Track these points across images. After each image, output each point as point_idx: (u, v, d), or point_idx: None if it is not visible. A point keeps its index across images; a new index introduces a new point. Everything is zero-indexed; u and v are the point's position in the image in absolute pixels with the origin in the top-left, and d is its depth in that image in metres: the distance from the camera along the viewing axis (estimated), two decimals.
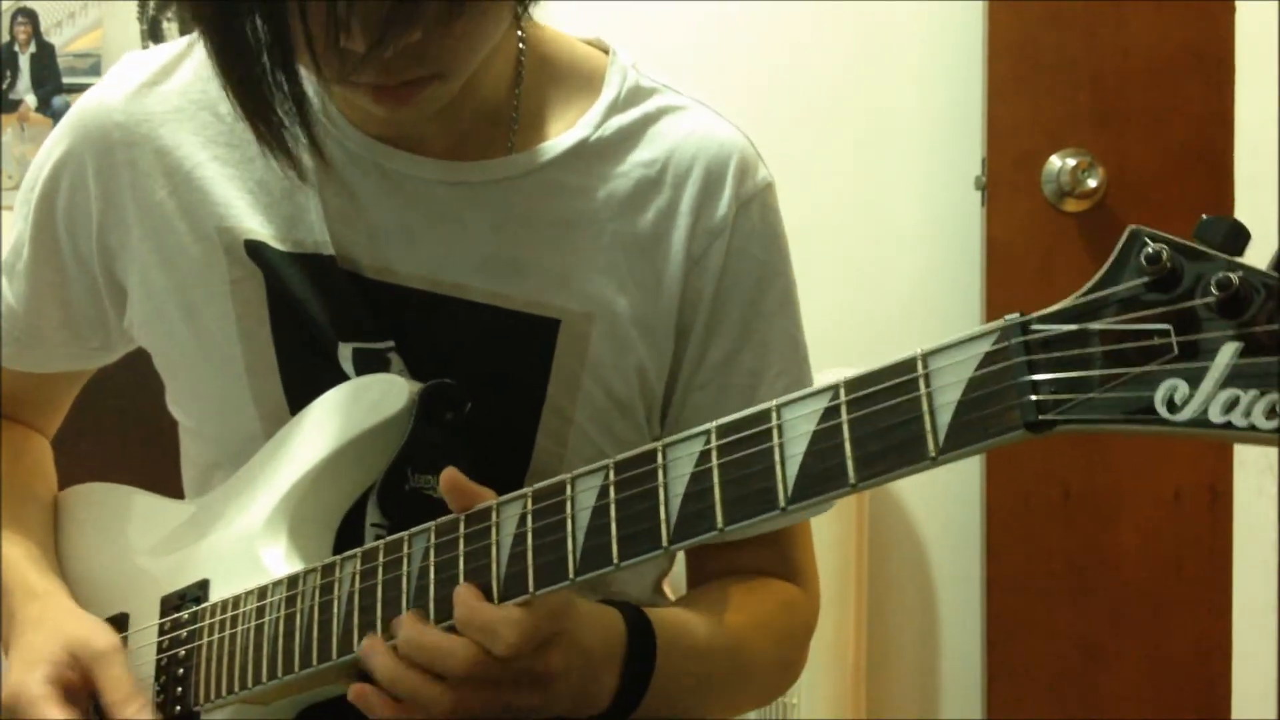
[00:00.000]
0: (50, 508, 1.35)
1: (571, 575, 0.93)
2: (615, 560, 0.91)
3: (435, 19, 0.95)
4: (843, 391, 0.82)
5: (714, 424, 0.88)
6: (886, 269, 2.67)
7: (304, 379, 1.15)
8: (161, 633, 1.18)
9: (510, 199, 1.16)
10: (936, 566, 2.69)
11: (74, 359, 1.33)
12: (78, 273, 1.24)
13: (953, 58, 2.63)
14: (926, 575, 2.69)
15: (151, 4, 2.66)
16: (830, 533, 2.31)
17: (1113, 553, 2.55)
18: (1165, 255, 0.71)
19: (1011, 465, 2.53)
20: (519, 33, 1.18)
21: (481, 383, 1.12)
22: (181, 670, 1.15)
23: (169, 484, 1.29)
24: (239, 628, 1.10)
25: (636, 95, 1.21)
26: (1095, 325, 0.73)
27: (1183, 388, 0.69)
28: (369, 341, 1.13)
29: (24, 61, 2.73)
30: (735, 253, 1.19)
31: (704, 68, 2.59)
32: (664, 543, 0.89)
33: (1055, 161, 2.52)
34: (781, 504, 0.84)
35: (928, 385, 0.78)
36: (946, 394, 0.77)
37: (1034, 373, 0.74)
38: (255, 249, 1.16)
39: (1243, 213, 2.32)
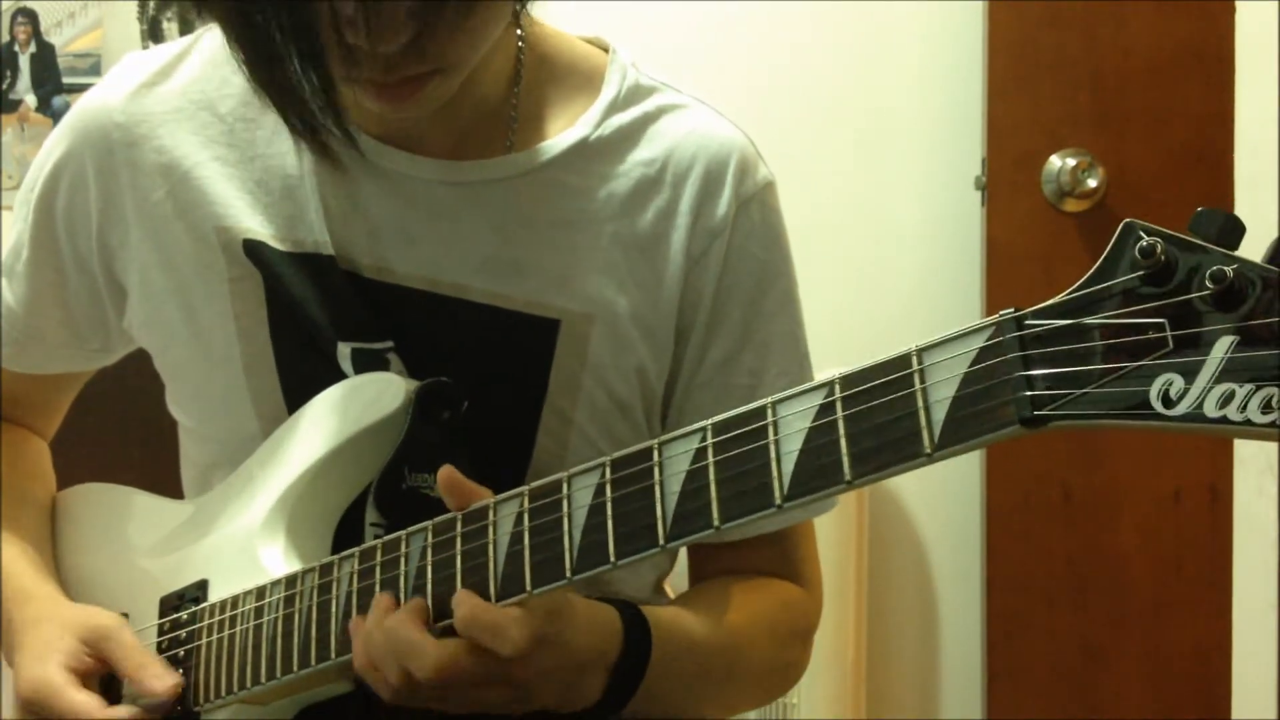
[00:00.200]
0: (47, 511, 1.35)
1: (569, 574, 0.93)
2: (612, 558, 0.91)
3: (435, 14, 0.95)
4: (838, 388, 0.82)
5: (710, 421, 0.88)
6: (886, 269, 2.66)
7: (302, 379, 1.15)
8: (160, 633, 1.18)
9: (510, 199, 1.16)
10: (936, 566, 2.69)
11: (74, 360, 1.33)
12: (77, 273, 1.24)
13: (953, 58, 2.62)
14: (926, 575, 2.69)
15: (151, 4, 2.66)
16: (830, 532, 2.31)
17: (1113, 553, 2.55)
18: (1160, 249, 0.71)
19: (1011, 465, 2.53)
20: (518, 31, 1.18)
21: (481, 383, 1.12)
22: (181, 670, 1.15)
23: (169, 484, 1.29)
24: (238, 628, 1.10)
25: (636, 94, 1.21)
26: (1090, 320, 0.73)
27: (1178, 382, 0.69)
28: (368, 341, 1.13)
29: (24, 61, 2.73)
30: (735, 252, 1.19)
31: (704, 67, 2.59)
32: (661, 540, 0.89)
33: (1055, 161, 2.52)
34: (777, 501, 0.84)
35: (923, 381, 0.78)
36: (941, 389, 0.77)
37: (1029, 368, 0.74)
38: (254, 248, 1.16)
39: (1243, 212, 2.30)
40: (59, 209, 1.22)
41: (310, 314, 1.14)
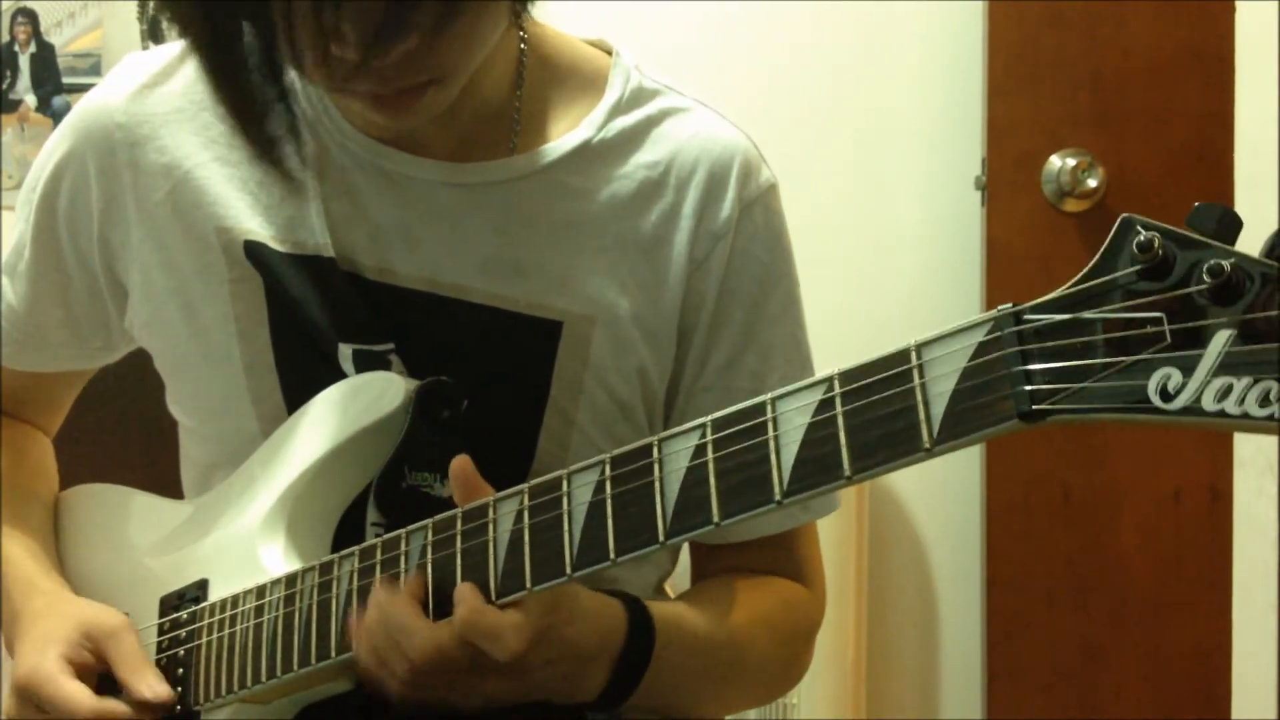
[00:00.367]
0: (52, 507, 1.36)
1: (569, 570, 0.93)
2: (612, 555, 0.91)
3: (429, 25, 0.94)
4: (837, 383, 0.82)
5: (709, 418, 0.88)
6: (886, 269, 2.66)
7: (302, 380, 1.15)
8: (161, 633, 1.18)
9: (512, 200, 1.16)
10: (936, 566, 2.69)
11: (76, 359, 1.33)
12: (79, 273, 1.24)
13: (953, 58, 2.63)
14: (926, 575, 2.69)
15: (151, 4, 2.66)
16: (830, 532, 2.31)
17: (1113, 553, 2.54)
18: (1157, 243, 0.71)
19: (1011, 464, 2.53)
20: (520, 33, 1.18)
21: (483, 385, 1.12)
22: (181, 670, 1.15)
23: (169, 484, 1.29)
24: (238, 627, 1.10)
25: (640, 97, 1.21)
26: (1088, 314, 0.73)
27: (1176, 376, 0.69)
28: (369, 343, 1.13)
29: (24, 61, 2.73)
30: (738, 255, 1.19)
31: (704, 68, 2.59)
32: (660, 536, 0.89)
33: (1055, 161, 2.52)
34: (777, 496, 0.84)
35: (921, 376, 0.78)
36: (940, 384, 0.77)
37: (1027, 362, 0.74)
38: (255, 250, 1.16)
39: (1242, 212, 2.31)
40: (61, 209, 1.22)
41: (311, 315, 1.14)
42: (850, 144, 2.66)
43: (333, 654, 1.04)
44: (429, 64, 1.00)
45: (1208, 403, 0.68)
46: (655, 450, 0.90)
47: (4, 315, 1.29)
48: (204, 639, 1.14)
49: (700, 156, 1.19)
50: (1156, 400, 0.69)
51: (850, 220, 2.66)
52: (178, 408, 1.25)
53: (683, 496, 0.88)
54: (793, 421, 0.84)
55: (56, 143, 1.23)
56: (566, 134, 1.18)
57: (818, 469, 0.82)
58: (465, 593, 0.96)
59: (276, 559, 1.11)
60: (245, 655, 1.09)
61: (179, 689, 1.15)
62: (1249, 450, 2.33)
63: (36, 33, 2.73)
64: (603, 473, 0.93)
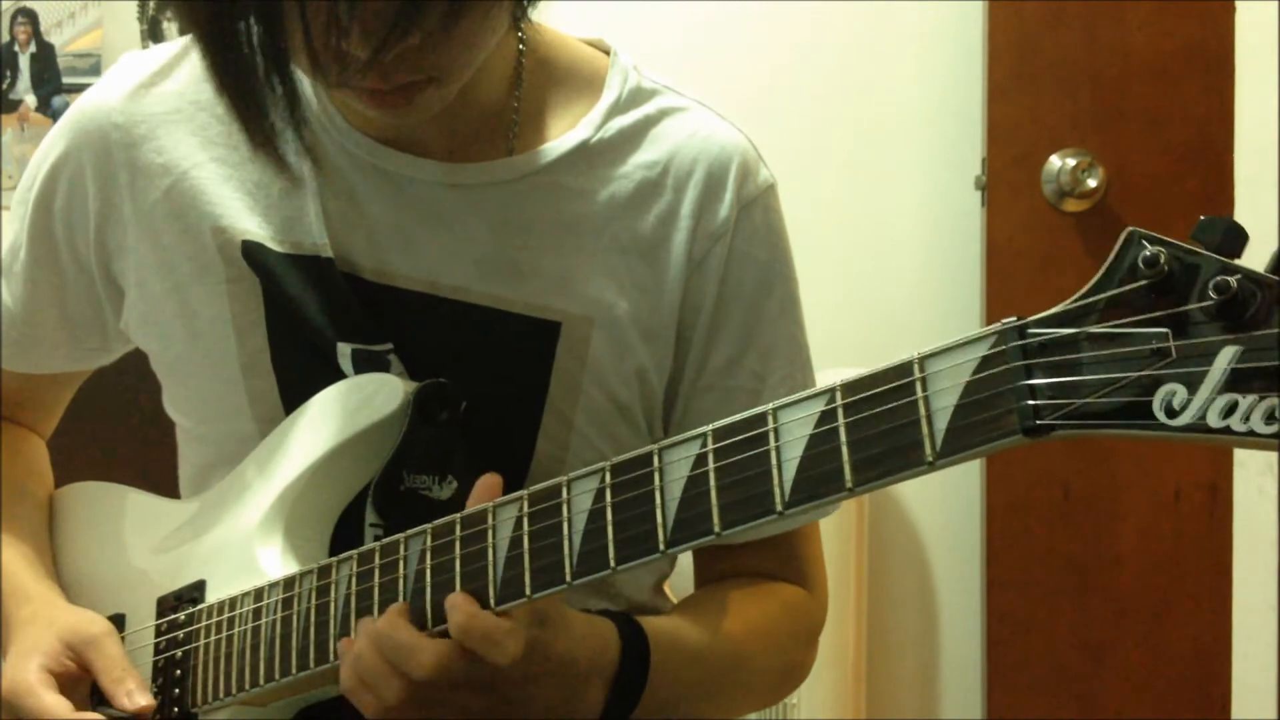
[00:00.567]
0: (46, 508, 1.35)
1: (569, 578, 0.92)
2: (612, 563, 0.91)
3: (435, 23, 0.94)
4: (839, 395, 0.82)
5: (710, 427, 0.88)
6: (886, 269, 2.66)
7: (300, 380, 1.15)
8: (158, 634, 1.18)
9: (510, 201, 1.16)
10: (936, 566, 2.69)
11: (71, 360, 1.33)
12: (75, 273, 1.24)
13: (953, 58, 2.62)
14: (926, 575, 2.69)
15: (151, 4, 2.66)
16: (830, 532, 2.30)
17: (1113, 553, 2.54)
18: (1164, 258, 0.70)
19: (1011, 466, 2.53)
20: (519, 34, 1.17)
21: (482, 386, 1.12)
22: (179, 672, 1.15)
23: (168, 484, 1.29)
24: (236, 629, 1.10)
25: (638, 97, 1.21)
26: (1093, 329, 0.73)
27: (1181, 392, 0.69)
28: (368, 343, 1.13)
29: (24, 61, 2.73)
30: (737, 255, 1.19)
31: (704, 67, 2.59)
32: (661, 546, 0.89)
33: (1055, 161, 2.51)
34: (779, 508, 0.84)
35: (925, 389, 0.78)
36: (944, 398, 0.77)
37: (1031, 377, 0.74)
38: (253, 250, 1.15)
39: (1243, 213, 2.32)
40: (57, 209, 1.22)
41: (309, 315, 1.14)
42: (850, 144, 2.66)
43: (331, 658, 1.03)
44: (431, 62, 0.99)
45: (1213, 419, 0.67)
46: (656, 459, 0.90)
47: (0, 316, 1.29)
48: (202, 641, 1.13)
49: (698, 156, 1.19)
50: (1161, 416, 0.69)
51: (850, 220, 2.66)
52: (174, 408, 1.25)
53: (684, 506, 0.88)
54: (794, 432, 0.83)
55: (52, 142, 1.23)
56: (564, 134, 1.18)
57: (819, 480, 0.82)
58: (458, 600, 0.95)
59: (274, 561, 1.11)
60: (243, 658, 1.09)
61: (176, 690, 1.14)
62: (1249, 451, 2.33)
63: (36, 33, 2.73)
64: (603, 480, 0.92)
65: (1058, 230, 2.52)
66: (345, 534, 1.11)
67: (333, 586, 1.04)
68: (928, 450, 0.77)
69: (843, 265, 2.64)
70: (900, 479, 0.79)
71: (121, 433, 1.73)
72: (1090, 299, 0.73)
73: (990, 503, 2.54)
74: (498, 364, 1.15)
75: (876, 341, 2.54)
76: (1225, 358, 0.68)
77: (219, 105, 1.16)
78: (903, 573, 2.68)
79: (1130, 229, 0.72)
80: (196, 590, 1.16)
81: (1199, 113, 2.50)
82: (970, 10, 2.57)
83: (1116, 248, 0.72)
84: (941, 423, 0.77)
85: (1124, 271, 0.72)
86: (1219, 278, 0.68)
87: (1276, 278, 0.66)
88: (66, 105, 2.61)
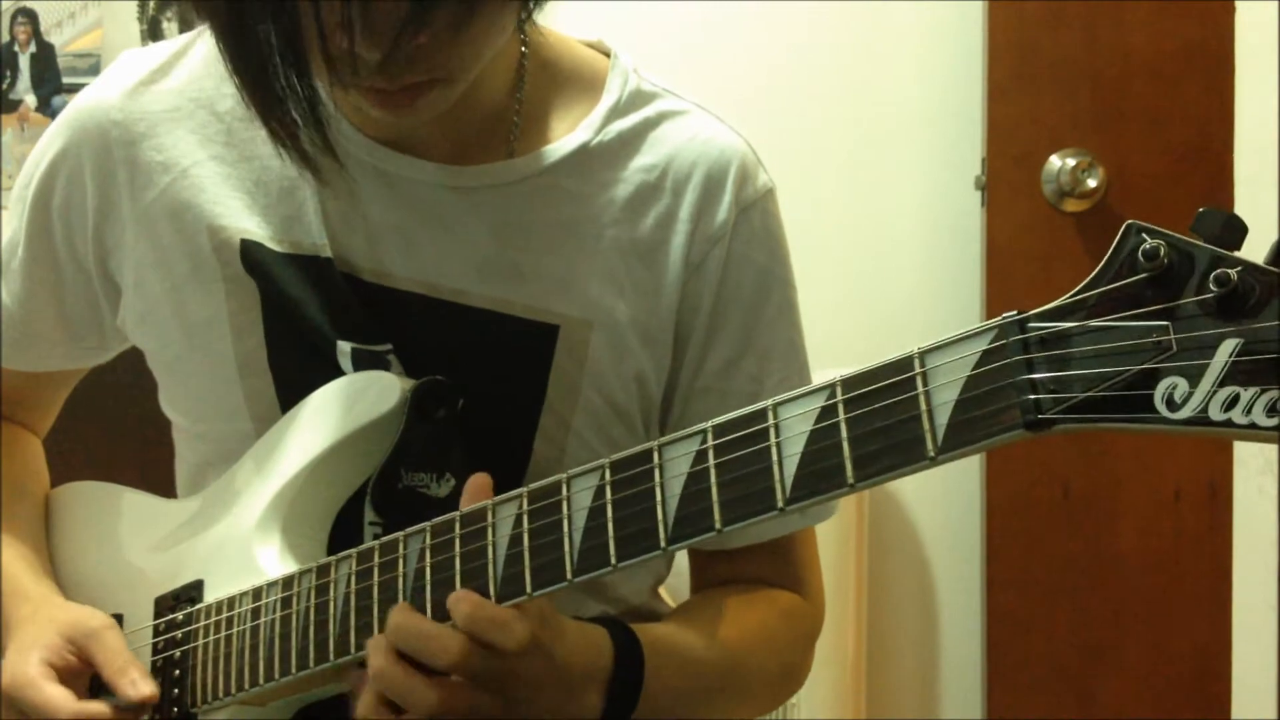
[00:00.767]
0: (43, 506, 1.35)
1: (569, 576, 0.92)
2: (613, 561, 0.90)
3: (445, 24, 0.94)
4: (839, 390, 0.82)
5: (710, 423, 0.88)
6: (886, 269, 2.66)
7: (297, 379, 1.14)
8: (156, 634, 1.18)
9: (510, 203, 1.15)
10: (936, 566, 2.69)
11: (69, 358, 1.33)
12: (73, 271, 1.24)
13: (953, 58, 2.62)
14: (926, 575, 2.69)
15: (151, 4, 2.66)
16: (830, 532, 2.31)
17: (1113, 552, 2.54)
18: (1163, 251, 0.70)
19: (1011, 465, 2.53)
20: (521, 36, 1.17)
21: (480, 387, 1.12)
22: (178, 672, 1.15)
23: (165, 483, 1.29)
24: (235, 629, 1.10)
25: (637, 99, 1.20)
26: (1093, 322, 0.73)
27: (1182, 385, 0.69)
28: (368, 342, 1.13)
29: (24, 61, 2.73)
30: (735, 259, 1.19)
31: (703, 68, 2.59)
32: (662, 543, 0.88)
33: (1055, 161, 2.51)
34: (780, 504, 0.83)
35: (925, 384, 0.78)
36: (944, 393, 0.77)
37: (1032, 371, 0.74)
38: (251, 249, 1.15)
39: (1243, 212, 2.31)
40: (55, 206, 1.22)
41: (308, 314, 1.14)
42: (850, 144, 2.66)
43: (331, 657, 1.03)
44: (438, 62, 0.99)
45: (1214, 412, 0.67)
46: (656, 455, 0.90)
47: None
48: (201, 640, 1.13)
49: (697, 160, 1.19)
50: (1162, 409, 0.69)
51: (850, 220, 2.66)
52: (171, 407, 1.25)
53: (684, 502, 0.88)
54: (794, 428, 0.83)
55: (51, 140, 1.23)
56: (565, 137, 1.18)
57: (820, 476, 0.82)
58: (462, 594, 0.95)
59: (272, 559, 1.10)
60: (242, 658, 1.09)
61: (175, 690, 1.14)
62: (1249, 450, 2.33)
63: (36, 33, 2.73)
64: (603, 477, 0.92)
65: (1058, 230, 2.52)
66: (343, 532, 1.11)
67: (332, 585, 1.04)
68: (929, 445, 0.77)
69: (843, 265, 2.64)
70: (902, 474, 0.78)
71: (118, 432, 1.73)
72: (1090, 292, 0.73)
73: (990, 502, 2.54)
74: (496, 366, 1.15)
75: (876, 341, 2.54)
76: (1226, 350, 0.68)
77: (218, 103, 1.17)
78: (902, 572, 2.68)
79: (1130, 222, 0.72)
80: (194, 590, 1.16)
81: (1199, 113, 2.50)
82: (970, 10, 2.57)
83: (1116, 241, 0.72)
84: (943, 417, 0.77)
85: (1124, 265, 0.72)
86: (1219, 270, 0.68)
87: (1277, 270, 0.66)
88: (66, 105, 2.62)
